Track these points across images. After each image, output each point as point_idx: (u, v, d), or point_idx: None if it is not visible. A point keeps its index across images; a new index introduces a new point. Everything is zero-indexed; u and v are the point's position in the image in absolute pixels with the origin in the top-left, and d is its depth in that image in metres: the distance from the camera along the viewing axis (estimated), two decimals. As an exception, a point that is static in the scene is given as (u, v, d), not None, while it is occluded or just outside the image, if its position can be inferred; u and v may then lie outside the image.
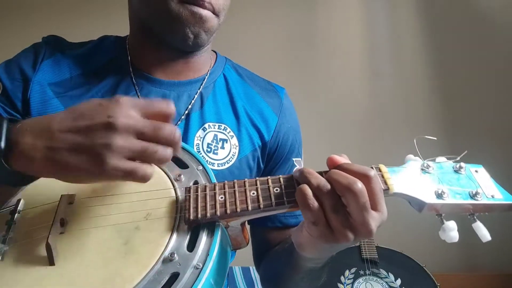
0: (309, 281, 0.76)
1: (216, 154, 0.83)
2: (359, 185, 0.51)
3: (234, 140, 0.86)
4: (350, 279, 1.63)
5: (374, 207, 0.53)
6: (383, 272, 1.67)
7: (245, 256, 1.05)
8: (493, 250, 2.28)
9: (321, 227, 0.53)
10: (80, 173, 0.51)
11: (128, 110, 0.52)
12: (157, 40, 0.83)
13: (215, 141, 0.84)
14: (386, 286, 1.61)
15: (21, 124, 0.54)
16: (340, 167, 0.56)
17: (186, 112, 0.84)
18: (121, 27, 0.93)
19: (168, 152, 0.53)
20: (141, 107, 0.53)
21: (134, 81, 0.84)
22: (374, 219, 0.53)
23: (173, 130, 0.53)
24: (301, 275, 0.73)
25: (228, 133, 0.85)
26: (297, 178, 0.58)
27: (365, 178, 0.53)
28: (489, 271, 2.37)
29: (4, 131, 0.52)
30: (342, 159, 0.58)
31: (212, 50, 0.97)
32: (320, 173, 0.58)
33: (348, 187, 0.51)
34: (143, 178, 0.52)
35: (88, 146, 0.50)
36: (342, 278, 1.63)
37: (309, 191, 0.53)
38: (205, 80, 0.88)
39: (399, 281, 1.63)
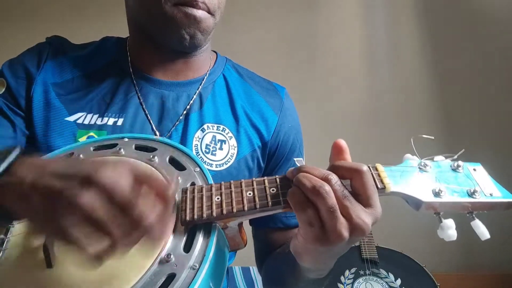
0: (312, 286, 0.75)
1: (215, 155, 0.83)
2: (332, 178, 0.52)
3: (233, 141, 0.86)
4: (350, 279, 1.63)
5: (366, 203, 0.53)
6: (383, 272, 1.67)
7: (245, 256, 1.05)
8: (493, 250, 2.28)
9: (316, 229, 0.52)
10: (37, 216, 0.48)
11: (120, 169, 0.47)
12: (155, 42, 0.84)
13: (213, 142, 0.84)
14: (386, 286, 1.60)
15: (28, 157, 0.53)
16: (332, 165, 0.56)
17: (185, 112, 0.84)
18: (123, 28, 0.93)
19: (123, 242, 0.46)
20: (137, 176, 0.48)
21: (134, 81, 0.85)
22: (363, 212, 0.52)
23: (142, 217, 0.46)
24: (303, 284, 0.73)
25: (226, 134, 0.85)
26: (290, 178, 0.57)
27: (357, 173, 0.53)
28: (489, 271, 2.37)
29: (10, 160, 0.51)
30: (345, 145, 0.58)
31: (213, 51, 0.97)
32: None
33: (318, 188, 0.51)
34: (87, 255, 0.45)
35: (57, 192, 0.45)
36: (342, 278, 1.63)
37: (300, 195, 0.53)
38: (205, 80, 0.89)
39: (399, 281, 1.62)
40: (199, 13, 0.76)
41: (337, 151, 0.58)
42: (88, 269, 0.47)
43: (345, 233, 0.51)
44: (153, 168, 0.65)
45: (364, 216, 0.52)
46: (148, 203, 0.47)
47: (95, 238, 0.45)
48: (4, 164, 0.50)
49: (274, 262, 0.88)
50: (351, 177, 0.54)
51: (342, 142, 0.58)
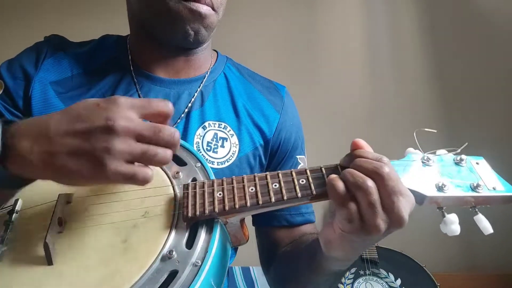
0: (330, 283, 0.75)
1: (216, 152, 0.83)
2: (385, 169, 0.52)
3: (234, 139, 0.85)
4: (350, 279, 1.63)
5: (400, 192, 0.53)
6: (383, 272, 1.67)
7: (245, 256, 1.05)
8: (493, 250, 2.27)
9: (355, 223, 0.53)
10: (80, 177, 0.50)
11: (127, 111, 0.51)
12: (157, 39, 0.84)
13: (215, 139, 0.84)
14: (386, 286, 1.60)
15: (16, 126, 0.53)
16: (356, 156, 0.56)
17: (187, 110, 0.84)
18: (122, 26, 0.93)
19: (168, 153, 0.52)
20: (139, 107, 0.52)
21: (134, 79, 0.84)
22: (403, 203, 0.52)
23: (173, 132, 0.52)
24: (324, 277, 0.72)
25: (228, 131, 0.85)
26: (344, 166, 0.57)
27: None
28: (490, 271, 2.37)
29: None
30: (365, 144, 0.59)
31: (214, 50, 0.97)
32: (335, 167, 0.59)
33: (375, 171, 0.52)
34: (144, 181, 0.51)
35: (88, 150, 0.49)
36: (342, 278, 1.63)
37: (341, 189, 0.53)
38: (206, 78, 0.89)
39: (399, 281, 1.62)
40: (204, 9, 0.76)
41: (355, 149, 0.59)
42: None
43: (383, 225, 0.52)
44: None
45: (404, 208, 0.52)
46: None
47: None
48: None
49: (288, 259, 0.87)
50: None
51: (361, 142, 0.59)
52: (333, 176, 0.55)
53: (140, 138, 0.50)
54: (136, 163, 0.51)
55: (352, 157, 0.57)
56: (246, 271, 1.79)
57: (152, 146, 0.51)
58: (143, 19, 0.84)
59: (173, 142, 0.52)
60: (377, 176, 0.52)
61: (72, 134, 0.50)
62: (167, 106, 0.54)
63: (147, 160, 0.51)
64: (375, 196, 0.51)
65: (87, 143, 0.49)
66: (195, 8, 0.75)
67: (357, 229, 0.53)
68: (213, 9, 0.78)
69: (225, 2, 0.83)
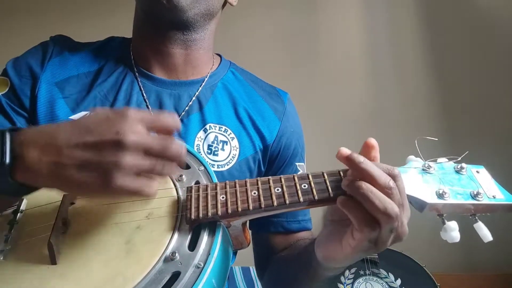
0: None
1: (217, 155, 0.84)
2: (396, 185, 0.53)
3: (235, 142, 0.86)
4: (350, 279, 1.63)
5: (402, 205, 0.54)
6: (383, 272, 1.67)
7: (245, 256, 1.05)
8: (493, 250, 2.27)
9: (372, 243, 0.54)
10: (87, 189, 0.51)
11: (136, 125, 0.51)
12: (148, 25, 0.84)
13: (215, 142, 0.84)
14: (386, 286, 1.60)
15: (25, 134, 0.53)
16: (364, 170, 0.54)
17: (185, 112, 0.84)
18: (127, 29, 0.94)
19: (174, 166, 0.54)
20: (148, 121, 0.53)
21: (137, 79, 0.85)
22: (405, 217, 0.54)
23: (180, 147, 0.53)
24: (319, 283, 0.73)
25: (228, 135, 0.86)
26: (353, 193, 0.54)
27: (392, 177, 0.53)
28: (489, 271, 2.37)
29: (8, 144, 0.51)
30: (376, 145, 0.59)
31: (217, 54, 0.97)
32: (337, 173, 0.59)
33: (390, 211, 0.51)
34: (149, 195, 0.52)
35: (97, 163, 0.49)
36: (342, 278, 1.63)
37: (365, 213, 0.53)
38: (205, 81, 0.89)
39: (399, 281, 1.62)
40: None
41: (367, 150, 0.59)
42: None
43: (391, 242, 0.54)
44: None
45: (405, 222, 0.54)
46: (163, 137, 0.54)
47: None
48: (7, 150, 0.51)
49: (282, 264, 0.87)
50: None
51: (373, 141, 0.59)
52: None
53: (148, 152, 0.51)
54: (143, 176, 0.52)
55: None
56: (246, 271, 1.80)
57: (159, 162, 0.52)
58: (137, 7, 0.85)
59: (180, 157, 0.53)
60: (389, 190, 0.52)
61: (82, 147, 0.50)
62: (175, 121, 0.55)
63: (153, 174, 0.53)
64: (397, 223, 0.52)
65: (96, 156, 0.49)
66: None
67: (371, 248, 0.54)
68: None
69: None
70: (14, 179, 0.52)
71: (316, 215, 0.90)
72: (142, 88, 0.84)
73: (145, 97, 0.83)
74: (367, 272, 1.66)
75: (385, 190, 0.52)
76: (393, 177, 0.53)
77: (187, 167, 0.67)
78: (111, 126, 0.50)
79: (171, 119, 0.55)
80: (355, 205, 0.53)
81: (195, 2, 0.79)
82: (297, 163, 0.94)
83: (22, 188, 0.53)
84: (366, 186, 0.52)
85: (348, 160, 0.55)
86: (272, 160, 0.92)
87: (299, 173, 0.87)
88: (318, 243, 0.64)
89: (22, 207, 0.64)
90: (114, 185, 0.49)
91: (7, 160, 0.50)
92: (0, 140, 0.51)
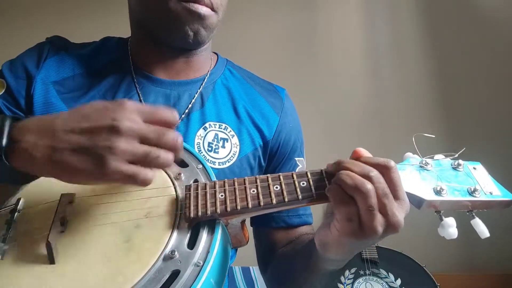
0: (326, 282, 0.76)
1: (217, 153, 0.84)
2: (373, 175, 0.53)
3: (235, 139, 0.86)
4: (350, 279, 1.63)
5: (397, 197, 0.54)
6: (383, 272, 1.67)
7: (245, 256, 1.05)
8: (493, 250, 2.28)
9: (354, 224, 0.53)
10: (81, 174, 0.51)
11: (133, 114, 0.52)
12: (157, 40, 0.84)
13: (216, 140, 0.84)
14: (386, 286, 1.60)
15: (24, 122, 0.54)
16: (360, 160, 0.57)
17: (187, 111, 0.84)
18: (124, 28, 0.94)
19: (170, 157, 0.53)
20: (145, 112, 0.53)
21: (135, 80, 0.85)
22: (397, 208, 0.53)
23: (177, 136, 0.54)
24: (320, 277, 0.73)
25: (228, 132, 0.86)
26: (332, 172, 0.58)
27: (385, 169, 0.54)
28: (489, 271, 2.37)
29: (7, 129, 0.52)
30: (365, 152, 0.59)
31: (214, 52, 0.98)
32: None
33: (360, 186, 0.52)
34: (144, 183, 0.52)
35: (91, 147, 0.50)
36: (342, 278, 1.63)
37: (341, 192, 0.54)
38: (206, 80, 0.89)
39: (399, 281, 1.62)
40: (203, 10, 0.77)
41: (354, 156, 0.59)
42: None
43: (380, 229, 0.53)
44: None
45: (398, 213, 0.53)
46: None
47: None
48: (5, 134, 0.52)
49: (284, 259, 0.88)
50: (380, 173, 0.55)
51: (363, 151, 0.60)
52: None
53: (144, 140, 0.51)
54: (138, 165, 0.52)
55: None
56: (246, 271, 1.79)
57: (154, 148, 0.52)
58: (143, 20, 0.84)
59: (176, 146, 0.54)
60: (368, 178, 0.53)
61: (77, 132, 0.51)
62: (173, 116, 0.55)
63: (149, 162, 0.52)
64: (374, 199, 0.52)
65: (91, 140, 0.50)
66: (194, 9, 0.76)
67: (355, 231, 0.54)
68: (212, 9, 0.78)
69: (225, 3, 0.83)
70: (11, 164, 0.52)
71: (316, 212, 0.90)
72: (141, 89, 0.84)
73: (142, 99, 0.83)
74: (367, 272, 1.66)
75: (365, 177, 0.53)
76: (388, 168, 0.54)
77: (186, 165, 0.67)
78: (108, 113, 0.51)
79: (169, 113, 0.55)
80: (333, 187, 0.55)
81: (211, 32, 0.82)
82: (296, 158, 0.95)
83: (19, 175, 0.54)
84: (344, 171, 0.55)
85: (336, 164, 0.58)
86: (272, 155, 0.92)
87: (298, 170, 0.87)
88: (316, 232, 0.65)
89: (20, 206, 0.64)
90: (108, 169, 0.49)
91: (4, 142, 0.51)
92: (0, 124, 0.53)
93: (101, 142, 0.49)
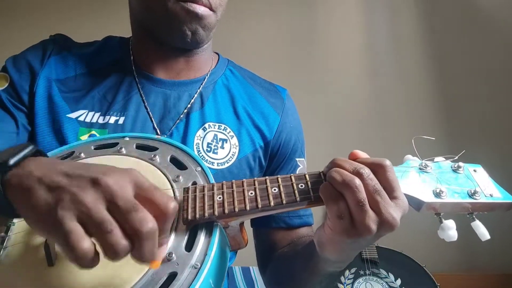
0: (326, 284, 0.75)
1: (216, 153, 0.84)
2: (363, 172, 0.52)
3: (234, 140, 0.86)
4: (350, 279, 1.63)
5: (391, 196, 0.53)
6: (383, 272, 1.67)
7: (245, 256, 1.05)
8: (493, 250, 2.27)
9: (345, 221, 0.53)
10: (37, 209, 0.46)
11: (126, 180, 0.47)
12: (157, 40, 0.84)
13: (215, 140, 0.84)
14: (386, 286, 1.61)
15: (40, 154, 0.54)
16: (356, 160, 0.57)
17: (186, 111, 0.84)
18: (124, 28, 0.94)
19: (121, 244, 0.44)
20: (142, 186, 0.48)
21: (136, 80, 0.85)
22: (393, 206, 0.53)
23: (144, 221, 0.45)
24: (320, 278, 0.72)
25: (228, 133, 0.86)
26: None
27: (381, 168, 0.54)
28: (489, 271, 2.37)
29: (22, 154, 0.51)
30: (362, 154, 0.59)
31: (215, 52, 0.98)
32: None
33: (348, 182, 0.52)
34: (77, 253, 0.42)
35: (61, 187, 0.46)
36: (342, 278, 1.64)
37: (331, 189, 0.54)
38: (206, 80, 0.89)
39: (399, 281, 1.63)
40: (201, 10, 0.77)
41: (353, 159, 0.59)
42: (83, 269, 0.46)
43: (373, 226, 0.52)
44: (160, 174, 0.65)
45: (392, 210, 0.52)
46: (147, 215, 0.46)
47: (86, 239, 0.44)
48: (17, 157, 0.50)
49: (284, 260, 0.88)
50: (374, 172, 0.54)
51: (360, 153, 0.59)
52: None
53: (111, 207, 0.45)
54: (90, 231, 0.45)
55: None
56: (246, 271, 1.79)
57: (114, 224, 0.44)
58: (143, 20, 0.85)
59: (139, 232, 0.44)
60: (358, 175, 0.52)
61: (65, 175, 0.47)
62: (168, 206, 0.48)
63: (96, 232, 0.44)
64: (362, 194, 0.51)
65: (67, 183, 0.46)
66: (192, 9, 0.76)
67: (347, 229, 0.53)
68: (211, 9, 0.79)
69: (224, 3, 0.83)
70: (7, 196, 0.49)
71: (316, 214, 0.90)
72: (141, 89, 0.84)
73: (143, 98, 0.83)
74: (367, 272, 1.66)
75: (354, 173, 0.53)
76: (383, 167, 0.54)
77: (185, 168, 0.67)
78: (106, 170, 0.48)
79: (166, 201, 0.49)
80: (324, 185, 0.55)
81: (209, 32, 0.83)
82: (297, 159, 0.95)
83: (10, 206, 0.49)
84: (335, 168, 0.55)
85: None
86: (272, 156, 0.92)
87: (299, 171, 0.87)
88: (315, 232, 0.65)
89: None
90: (55, 214, 0.43)
91: (12, 161, 0.49)
92: (22, 147, 0.51)
93: (72, 187, 0.45)
